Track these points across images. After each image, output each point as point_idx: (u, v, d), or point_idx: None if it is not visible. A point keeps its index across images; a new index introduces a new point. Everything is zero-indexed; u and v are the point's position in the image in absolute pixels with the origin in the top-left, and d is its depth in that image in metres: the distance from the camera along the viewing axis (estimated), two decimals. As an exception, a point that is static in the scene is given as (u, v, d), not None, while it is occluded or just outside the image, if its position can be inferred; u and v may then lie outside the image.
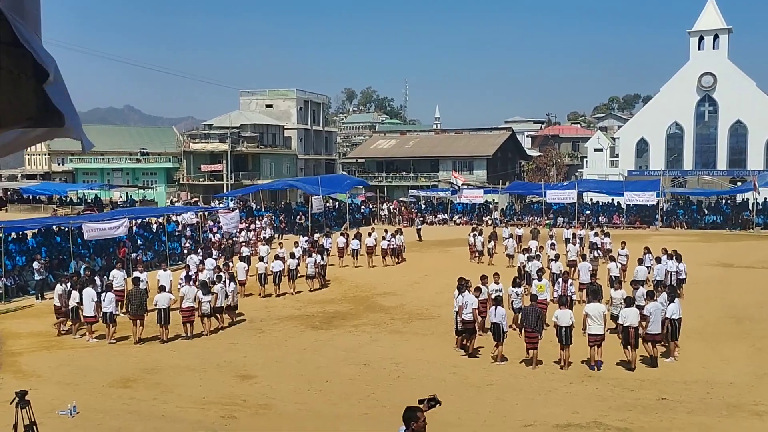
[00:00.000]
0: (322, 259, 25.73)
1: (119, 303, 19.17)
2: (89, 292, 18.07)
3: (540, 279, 19.11)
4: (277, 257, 24.57)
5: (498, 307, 15.45)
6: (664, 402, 12.73)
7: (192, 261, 25.33)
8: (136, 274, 20.83)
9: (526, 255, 24.06)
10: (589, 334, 14.80)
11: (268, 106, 75.17)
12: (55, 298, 18.95)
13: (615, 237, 30.70)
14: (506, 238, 31.63)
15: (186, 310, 18.07)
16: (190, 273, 22.27)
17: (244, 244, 32.30)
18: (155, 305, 17.93)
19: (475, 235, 31.16)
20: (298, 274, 24.67)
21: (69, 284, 18.99)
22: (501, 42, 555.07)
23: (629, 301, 15.43)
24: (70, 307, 18.52)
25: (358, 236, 31.37)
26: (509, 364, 15.26)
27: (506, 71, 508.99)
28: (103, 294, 18.42)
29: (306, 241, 30.12)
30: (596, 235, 30.57)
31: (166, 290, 18.43)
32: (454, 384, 14.08)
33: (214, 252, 28.71)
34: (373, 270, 29.34)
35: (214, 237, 35.32)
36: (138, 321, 17.68)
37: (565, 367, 14.76)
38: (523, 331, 15.47)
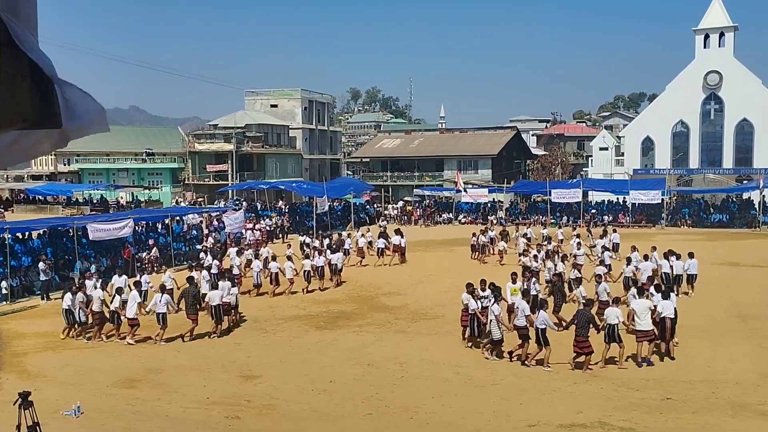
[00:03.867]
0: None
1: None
2: (134, 295, 18.21)
3: (514, 282, 18.48)
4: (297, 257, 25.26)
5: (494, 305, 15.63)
6: (669, 402, 12.69)
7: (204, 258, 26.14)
8: (166, 274, 21.78)
9: (537, 256, 24.09)
10: (636, 331, 14.92)
11: (272, 106, 75.26)
12: (94, 303, 18.29)
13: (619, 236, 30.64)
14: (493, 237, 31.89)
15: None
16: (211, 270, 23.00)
17: (248, 246, 32.33)
18: (208, 302, 18.41)
19: (482, 234, 31.41)
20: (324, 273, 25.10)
21: (101, 287, 18.96)
22: (506, 41, 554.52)
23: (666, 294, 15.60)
24: (79, 311, 18.40)
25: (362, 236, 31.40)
26: (512, 364, 15.22)
27: (511, 70, 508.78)
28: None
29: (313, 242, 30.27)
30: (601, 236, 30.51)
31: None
32: (458, 384, 14.06)
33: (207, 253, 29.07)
34: (378, 270, 29.30)
35: (215, 236, 35.32)
36: (191, 319, 18.09)
37: (621, 363, 14.75)
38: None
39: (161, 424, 12.25)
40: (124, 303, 18.19)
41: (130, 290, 19.29)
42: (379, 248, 30.62)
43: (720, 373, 14.35)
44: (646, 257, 22.10)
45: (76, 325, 18.35)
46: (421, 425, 12.04)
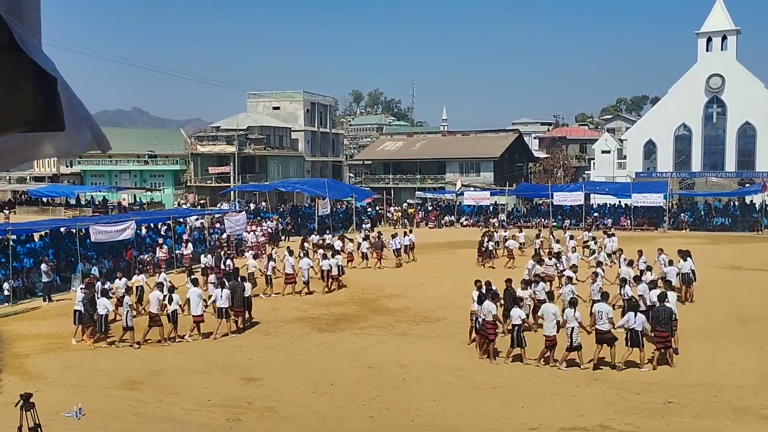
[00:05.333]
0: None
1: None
2: (196, 291, 18.51)
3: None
4: (324, 256, 25.44)
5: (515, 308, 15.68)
6: (671, 405, 12.67)
7: (206, 261, 26.00)
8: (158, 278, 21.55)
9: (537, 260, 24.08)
10: None
11: (275, 108, 75.40)
12: (152, 305, 17.88)
13: (621, 239, 30.64)
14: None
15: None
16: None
17: (249, 247, 32.42)
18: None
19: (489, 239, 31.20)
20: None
21: (164, 289, 18.72)
22: (508, 43, 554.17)
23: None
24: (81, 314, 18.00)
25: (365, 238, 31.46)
26: (515, 366, 15.21)
27: (513, 73, 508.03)
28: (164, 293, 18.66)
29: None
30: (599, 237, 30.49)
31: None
32: (459, 387, 14.05)
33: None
34: (379, 272, 29.30)
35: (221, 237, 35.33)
36: (237, 312, 18.94)
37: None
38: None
39: (162, 426, 12.26)
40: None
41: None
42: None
43: (721, 377, 14.33)
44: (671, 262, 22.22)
45: (106, 331, 17.76)
46: (422, 428, 12.04)
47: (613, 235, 30.69)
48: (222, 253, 28.09)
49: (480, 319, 15.86)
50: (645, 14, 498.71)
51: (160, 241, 31.13)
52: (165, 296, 18.13)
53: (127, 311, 17.45)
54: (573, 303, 15.41)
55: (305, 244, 30.67)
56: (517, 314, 15.44)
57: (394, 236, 31.50)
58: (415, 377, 14.74)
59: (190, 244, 31.73)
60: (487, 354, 15.61)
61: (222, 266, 24.90)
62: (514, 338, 15.40)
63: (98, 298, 17.89)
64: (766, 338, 17.32)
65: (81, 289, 18.65)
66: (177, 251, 30.87)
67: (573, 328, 14.72)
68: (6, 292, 23.90)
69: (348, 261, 29.16)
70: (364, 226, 42.89)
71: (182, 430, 12.10)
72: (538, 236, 30.95)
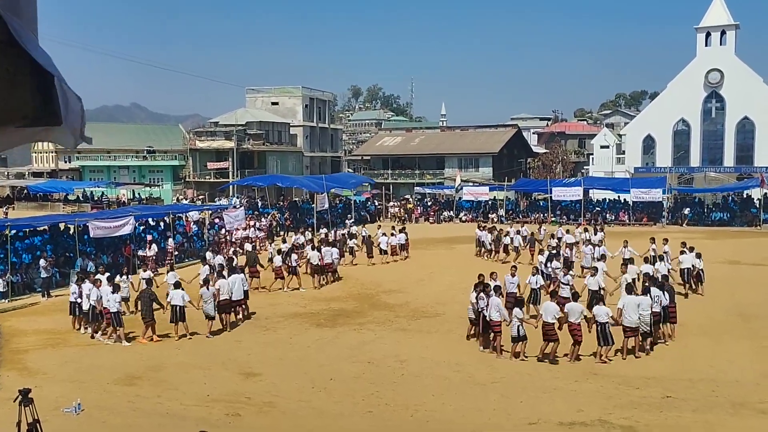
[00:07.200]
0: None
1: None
2: (240, 277, 19.55)
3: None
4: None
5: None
6: (669, 400, 12.69)
7: (210, 257, 25.91)
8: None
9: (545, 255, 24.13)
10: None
11: (273, 103, 75.27)
12: (224, 293, 18.48)
13: (621, 234, 30.62)
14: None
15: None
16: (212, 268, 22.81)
17: (248, 240, 32.40)
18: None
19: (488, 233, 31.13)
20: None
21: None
22: (507, 39, 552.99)
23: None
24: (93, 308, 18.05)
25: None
26: (514, 361, 15.21)
27: (512, 68, 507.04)
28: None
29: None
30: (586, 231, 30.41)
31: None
32: (458, 382, 14.07)
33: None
34: (379, 267, 29.30)
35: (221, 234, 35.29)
36: (244, 305, 20.01)
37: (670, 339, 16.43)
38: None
39: (161, 422, 12.28)
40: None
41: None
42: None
43: (720, 372, 14.36)
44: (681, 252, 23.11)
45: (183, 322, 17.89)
46: (421, 423, 12.05)
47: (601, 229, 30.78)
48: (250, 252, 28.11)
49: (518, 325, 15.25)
50: (644, 9, 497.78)
51: (169, 234, 31.07)
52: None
53: (210, 301, 18.03)
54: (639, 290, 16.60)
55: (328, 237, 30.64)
56: (604, 311, 15.14)
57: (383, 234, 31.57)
58: (414, 372, 14.75)
59: (154, 245, 29.79)
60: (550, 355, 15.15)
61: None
62: (608, 335, 14.97)
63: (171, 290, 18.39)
64: (764, 335, 17.33)
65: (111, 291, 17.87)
66: (141, 252, 29.29)
67: (648, 314, 15.53)
68: (2, 288, 23.80)
69: (392, 254, 30.91)
70: (348, 222, 42.34)
71: (181, 425, 12.10)
72: (586, 230, 30.85)
